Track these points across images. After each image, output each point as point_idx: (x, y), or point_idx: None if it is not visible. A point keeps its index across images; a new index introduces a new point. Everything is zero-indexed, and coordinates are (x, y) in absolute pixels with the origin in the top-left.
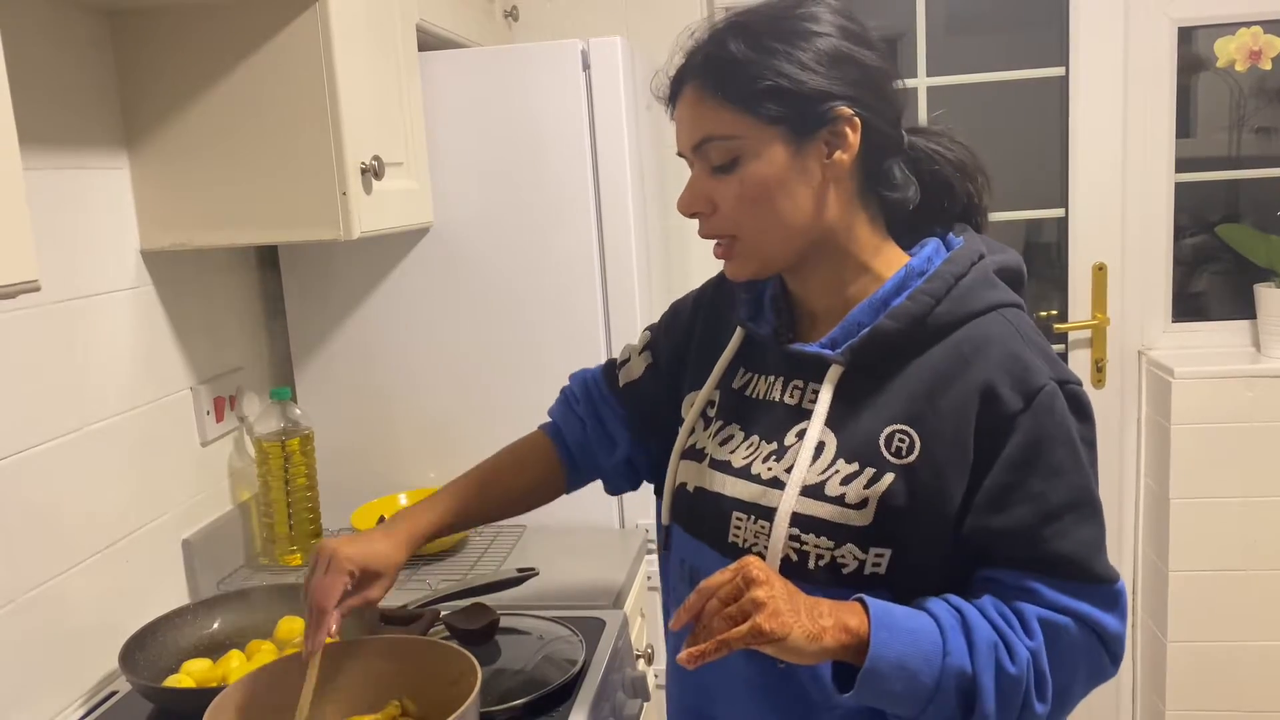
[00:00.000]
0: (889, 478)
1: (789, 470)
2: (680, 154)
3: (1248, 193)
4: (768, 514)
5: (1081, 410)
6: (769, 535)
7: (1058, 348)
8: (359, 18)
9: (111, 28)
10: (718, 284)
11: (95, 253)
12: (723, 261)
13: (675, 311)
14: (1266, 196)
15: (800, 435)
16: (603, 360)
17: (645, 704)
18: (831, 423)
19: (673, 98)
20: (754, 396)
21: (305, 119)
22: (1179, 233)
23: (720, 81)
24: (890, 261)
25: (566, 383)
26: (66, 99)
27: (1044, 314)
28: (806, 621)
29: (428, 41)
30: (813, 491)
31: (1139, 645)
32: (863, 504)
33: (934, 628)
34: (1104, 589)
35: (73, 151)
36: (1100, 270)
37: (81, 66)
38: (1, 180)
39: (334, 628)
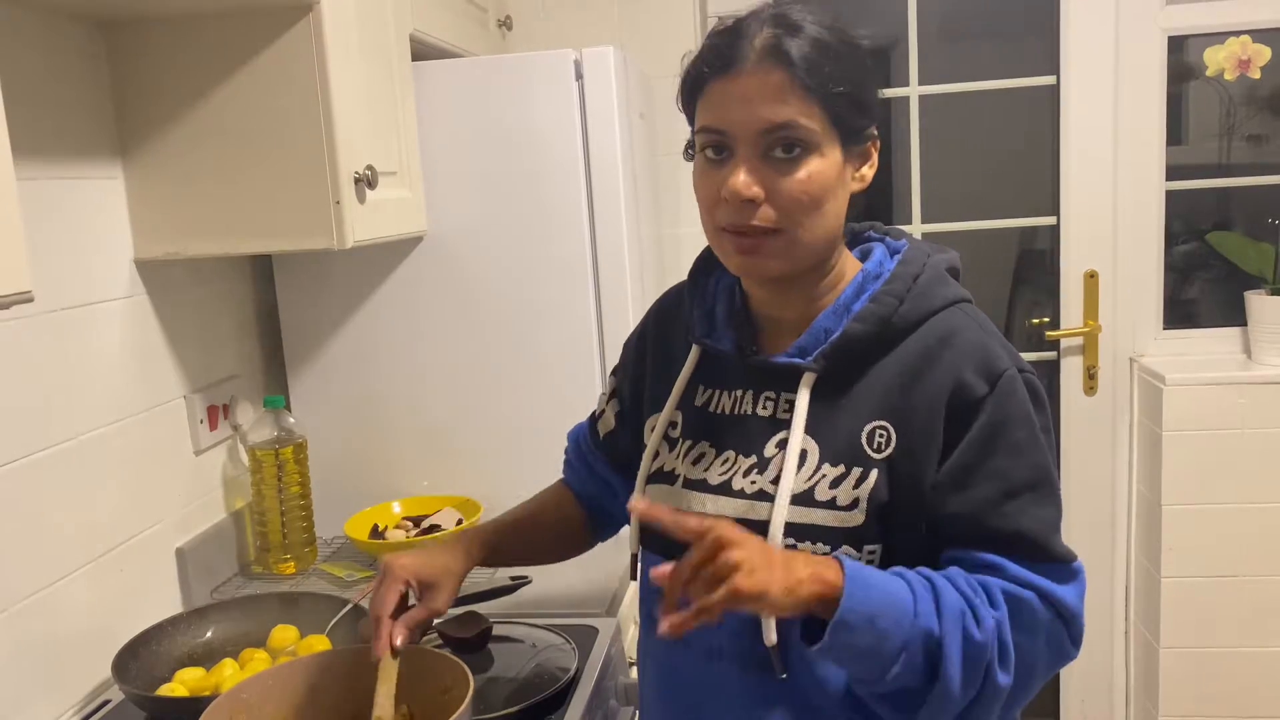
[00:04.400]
0: (874, 474)
1: (774, 481)
2: (715, 129)
3: (1238, 200)
4: (758, 527)
5: (1038, 397)
6: None
7: (1049, 355)
8: (353, 28)
9: (106, 39)
10: (657, 310)
11: (89, 262)
12: (742, 256)
13: (625, 349)
14: (1257, 204)
15: (781, 446)
16: (593, 365)
17: (637, 711)
18: (810, 429)
19: (746, 62)
20: (720, 412)
21: (299, 129)
22: (1170, 240)
23: (815, 73)
24: (851, 268)
25: (563, 394)
26: (61, 109)
27: (1036, 321)
28: (782, 575)
29: (421, 51)
30: (803, 499)
31: (1132, 651)
32: (854, 504)
33: (905, 589)
34: (1062, 567)
35: (67, 161)
36: (1092, 277)
37: (76, 77)
38: None
39: (399, 640)
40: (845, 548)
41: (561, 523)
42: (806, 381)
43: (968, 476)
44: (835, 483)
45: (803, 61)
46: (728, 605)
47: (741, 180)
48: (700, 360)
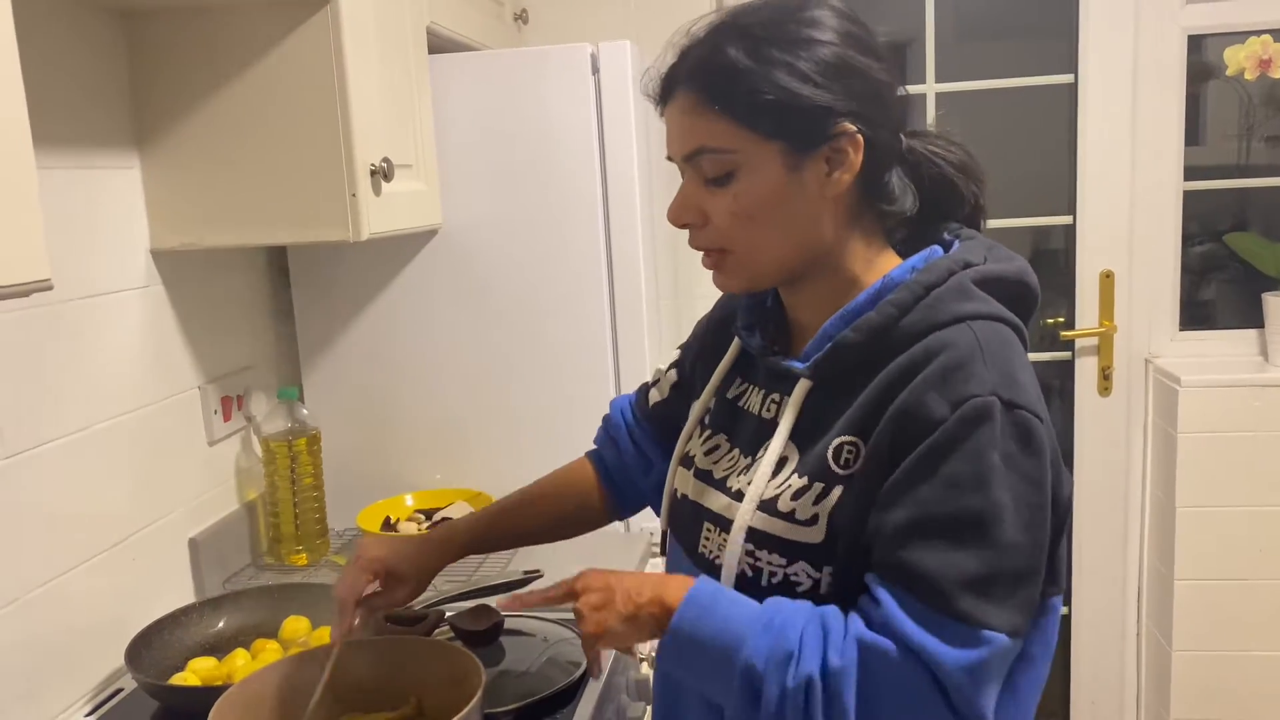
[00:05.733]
0: (837, 491)
1: (751, 484)
2: (670, 159)
3: (1256, 201)
4: (729, 527)
5: (1026, 440)
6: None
7: (1064, 355)
8: (370, 20)
9: (125, 29)
10: (728, 295)
11: (106, 252)
12: (713, 276)
13: (696, 327)
14: (1275, 205)
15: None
16: (607, 359)
17: (648, 707)
18: (797, 437)
19: (663, 98)
20: (743, 408)
21: (315, 120)
22: (1187, 241)
23: (717, 92)
24: (881, 273)
25: (576, 388)
26: (79, 99)
27: (1050, 321)
28: (620, 607)
29: (438, 44)
30: (768, 506)
31: (1144, 653)
32: (813, 520)
33: (749, 623)
34: (961, 628)
35: (85, 151)
36: (1108, 278)
37: (95, 67)
38: (15, 180)
39: (355, 623)
40: (801, 563)
41: (570, 502)
42: (800, 388)
43: (892, 497)
44: (797, 494)
45: (705, 81)
46: (594, 647)
47: (672, 210)
48: (741, 353)
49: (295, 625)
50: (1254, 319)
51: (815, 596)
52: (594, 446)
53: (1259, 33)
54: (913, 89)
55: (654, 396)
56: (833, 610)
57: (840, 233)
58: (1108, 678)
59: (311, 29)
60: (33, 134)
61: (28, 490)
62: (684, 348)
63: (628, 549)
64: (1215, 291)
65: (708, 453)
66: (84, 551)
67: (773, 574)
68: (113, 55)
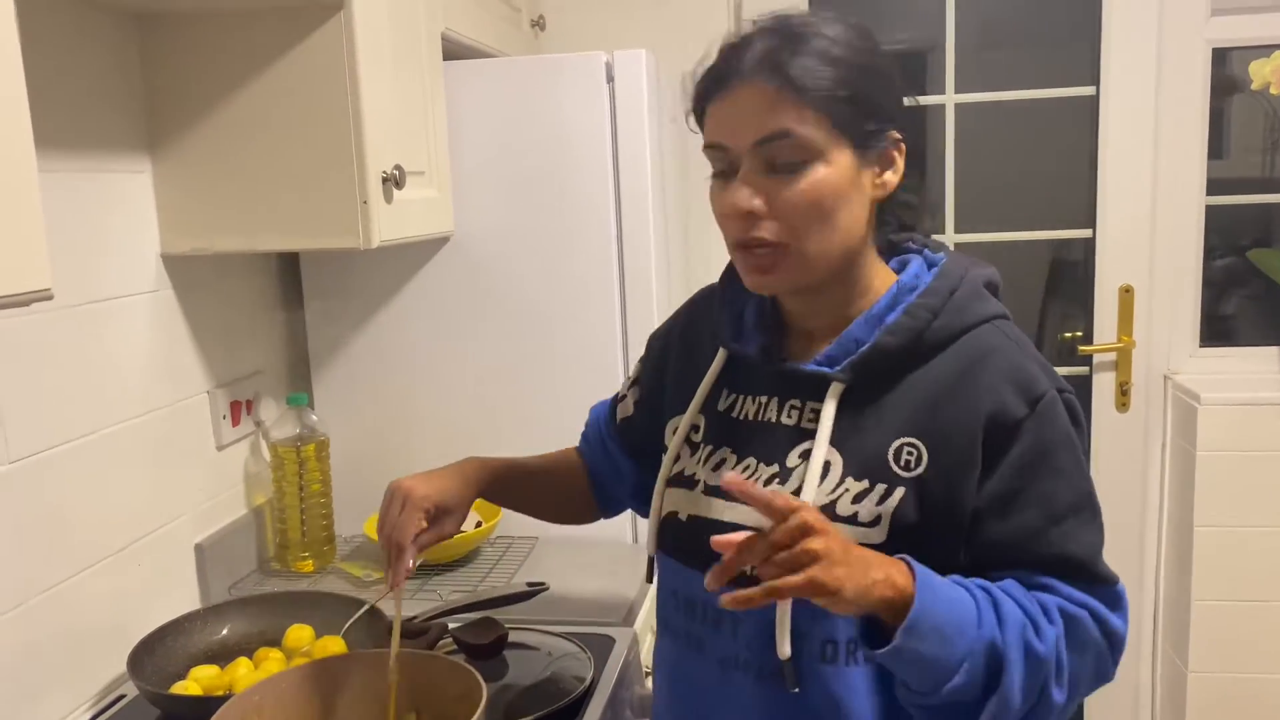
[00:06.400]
0: (900, 492)
1: (796, 492)
2: (718, 145)
3: None
4: None
5: (1076, 418)
6: None
7: (1081, 370)
8: (384, 26)
9: (138, 32)
10: (690, 309)
11: (116, 256)
12: (756, 274)
13: (651, 342)
14: None
15: (804, 456)
16: (618, 369)
17: None
18: (836, 441)
19: (720, 86)
20: (743, 418)
21: (328, 127)
22: (1208, 255)
23: (806, 79)
24: (884, 279)
25: (587, 398)
26: (91, 102)
27: (1069, 335)
28: (859, 574)
29: (452, 50)
30: (824, 512)
31: (1159, 674)
32: (875, 521)
33: (969, 597)
34: (1110, 591)
35: (96, 155)
36: (1127, 292)
37: (107, 70)
38: (17, 188)
39: (412, 564)
40: None
41: (568, 488)
42: (834, 392)
43: (1010, 502)
44: (858, 498)
45: (796, 68)
46: (801, 593)
47: (741, 195)
48: (726, 364)
49: (299, 634)
50: (1276, 336)
51: None
52: (578, 444)
53: None
54: (933, 99)
55: (620, 412)
56: (1013, 582)
57: (867, 236)
58: (1122, 699)
59: (324, 35)
60: (43, 137)
61: (36, 494)
62: (642, 363)
63: (635, 562)
64: (1236, 307)
65: (715, 468)
66: (90, 556)
67: None
68: (125, 59)
